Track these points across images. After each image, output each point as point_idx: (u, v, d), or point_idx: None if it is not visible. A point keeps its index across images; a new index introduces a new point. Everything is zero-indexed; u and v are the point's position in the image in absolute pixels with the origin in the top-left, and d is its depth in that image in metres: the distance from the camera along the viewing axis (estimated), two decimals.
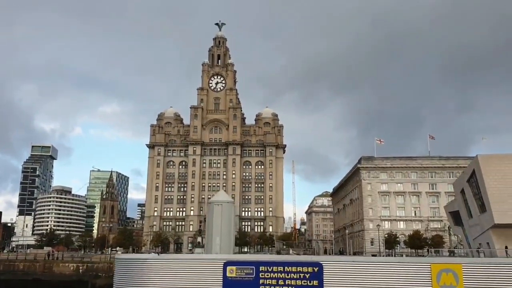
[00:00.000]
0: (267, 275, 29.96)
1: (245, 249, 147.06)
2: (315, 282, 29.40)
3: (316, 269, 29.66)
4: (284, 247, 76.01)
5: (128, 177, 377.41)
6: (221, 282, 30.05)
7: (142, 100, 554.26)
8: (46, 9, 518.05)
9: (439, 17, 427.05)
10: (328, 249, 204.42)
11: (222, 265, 30.52)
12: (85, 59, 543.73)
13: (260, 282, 29.94)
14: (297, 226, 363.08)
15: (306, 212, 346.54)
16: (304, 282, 29.70)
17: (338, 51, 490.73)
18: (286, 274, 29.73)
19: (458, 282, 29.29)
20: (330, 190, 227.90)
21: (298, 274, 29.82)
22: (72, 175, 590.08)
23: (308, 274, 29.81)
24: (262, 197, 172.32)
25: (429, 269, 29.00)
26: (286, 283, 29.79)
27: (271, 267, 29.98)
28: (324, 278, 29.54)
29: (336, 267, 30.23)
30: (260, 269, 30.06)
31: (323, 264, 29.91)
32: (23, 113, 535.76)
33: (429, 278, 28.79)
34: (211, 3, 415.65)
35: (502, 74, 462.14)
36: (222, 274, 30.12)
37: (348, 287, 29.34)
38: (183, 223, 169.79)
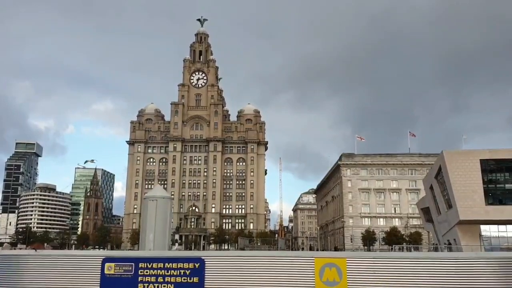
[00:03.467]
0: (147, 272, 28.75)
1: (226, 247, 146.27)
2: (196, 279, 28.23)
3: (197, 265, 28.53)
4: (251, 244, 74.84)
5: (114, 175, 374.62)
6: (99, 280, 28.75)
7: (135, 97, 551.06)
8: (39, 6, 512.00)
9: (434, 18, 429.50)
10: (313, 246, 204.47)
11: (100, 262, 29.22)
12: (79, 56, 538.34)
13: (139, 280, 28.68)
14: (286, 224, 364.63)
15: (292, 210, 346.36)
16: (184, 279, 28.48)
17: (334, 51, 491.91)
18: (166, 271, 28.52)
19: (342, 278, 28.14)
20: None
21: (178, 271, 28.61)
22: (62, 173, 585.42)
23: (189, 271, 28.60)
24: (243, 194, 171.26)
25: (313, 263, 27.91)
26: (166, 280, 28.54)
27: (151, 264, 28.80)
28: (205, 274, 28.42)
29: (219, 262, 29.06)
30: (140, 266, 28.81)
31: (205, 260, 28.77)
32: (17, 110, 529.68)
33: (312, 273, 27.68)
34: (207, 3, 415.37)
35: (493, 74, 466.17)
36: (100, 271, 28.87)
37: (229, 284, 28.21)
38: None
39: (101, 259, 28.64)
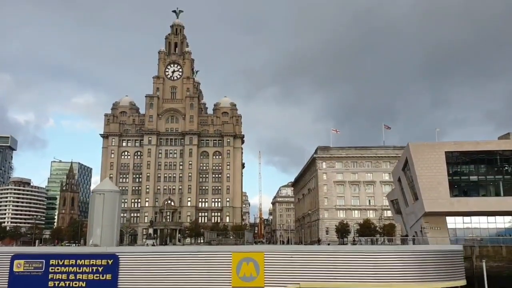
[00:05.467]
0: (58, 269, 27.62)
1: (201, 240, 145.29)
2: (109, 276, 27.33)
3: (110, 262, 27.63)
4: (220, 237, 73.88)
5: (92, 168, 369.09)
6: (7, 278, 27.51)
7: (115, 91, 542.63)
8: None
9: (415, 15, 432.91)
10: (290, 239, 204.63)
11: (9, 259, 28.00)
12: (59, 49, 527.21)
13: (50, 277, 27.55)
14: (266, 217, 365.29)
15: (271, 203, 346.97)
16: (96, 276, 27.52)
17: (317, 47, 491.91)
18: (78, 268, 27.48)
19: (259, 273, 27.56)
20: None
21: (91, 268, 27.59)
22: (42, 167, 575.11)
23: (102, 267, 27.62)
24: (219, 187, 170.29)
25: (230, 258, 27.21)
26: (77, 277, 27.50)
27: (63, 260, 27.72)
28: (119, 271, 27.45)
29: (133, 259, 28.20)
30: (51, 263, 27.74)
31: (119, 256, 27.88)
32: None
33: (229, 268, 26.96)
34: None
35: (473, 69, 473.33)
36: (8, 269, 27.65)
37: (144, 280, 27.38)
38: (138, 214, 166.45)
39: (10, 256, 27.20)
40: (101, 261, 27.69)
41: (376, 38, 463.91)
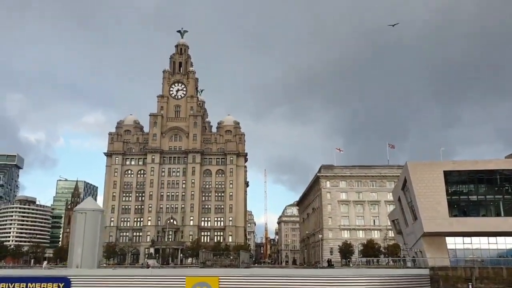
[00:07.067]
0: None
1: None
2: None
3: (62, 285, 26.71)
4: (215, 257, 72.64)
5: (97, 187, 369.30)
6: None
7: (125, 109, 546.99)
8: (33, 17, 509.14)
9: (426, 33, 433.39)
10: (296, 260, 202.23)
11: None
12: (71, 68, 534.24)
13: None
14: (272, 236, 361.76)
15: (277, 222, 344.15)
16: None
17: (326, 65, 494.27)
18: None
19: None
20: None
21: None
22: (51, 186, 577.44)
23: None
24: (222, 206, 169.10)
25: (183, 282, 26.33)
26: None
27: (13, 284, 26.80)
28: None
29: (86, 282, 27.28)
30: (1, 286, 26.90)
31: (71, 280, 26.94)
32: (10, 123, 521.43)
33: None
34: (204, 16, 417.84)
35: (486, 88, 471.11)
36: None
37: None
38: (140, 233, 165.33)
39: None
40: (52, 285, 26.79)
41: (386, 56, 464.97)
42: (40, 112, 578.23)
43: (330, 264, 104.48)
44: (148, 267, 75.81)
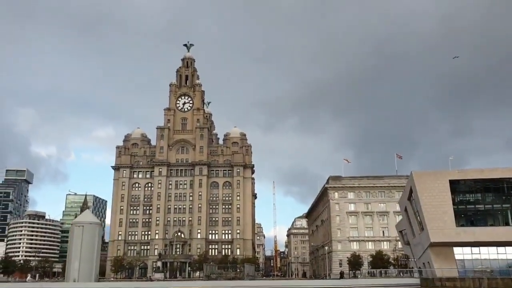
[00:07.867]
0: None
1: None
2: None
3: None
4: (219, 271, 71.73)
5: (106, 201, 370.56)
6: None
7: (133, 123, 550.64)
8: (42, 31, 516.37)
9: (434, 43, 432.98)
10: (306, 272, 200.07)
11: None
12: (82, 82, 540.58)
13: None
14: (282, 249, 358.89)
15: (286, 234, 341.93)
16: None
17: (336, 76, 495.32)
18: None
19: None
20: None
21: None
22: (59, 200, 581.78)
23: None
24: (229, 218, 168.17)
25: None
26: None
27: None
28: None
29: None
30: None
31: None
32: (21, 138, 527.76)
33: None
34: (211, 31, 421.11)
35: (495, 97, 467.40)
36: None
37: None
38: (148, 247, 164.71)
39: None
40: None
41: (394, 67, 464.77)
42: (51, 127, 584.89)
43: (342, 277, 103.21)
44: (151, 281, 75.23)
